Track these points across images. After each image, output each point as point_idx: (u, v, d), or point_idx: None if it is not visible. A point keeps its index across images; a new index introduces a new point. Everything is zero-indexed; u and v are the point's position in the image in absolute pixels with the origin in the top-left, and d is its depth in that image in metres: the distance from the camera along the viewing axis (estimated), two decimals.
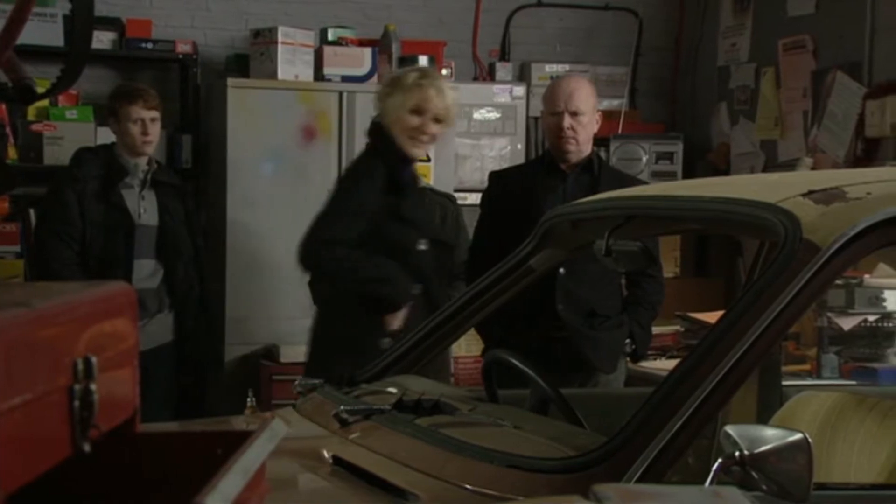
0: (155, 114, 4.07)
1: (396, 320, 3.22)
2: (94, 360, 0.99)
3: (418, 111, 3.26)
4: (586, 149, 3.47)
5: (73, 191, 3.99)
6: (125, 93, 4.14)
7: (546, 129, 3.51)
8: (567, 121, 3.40)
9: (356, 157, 3.48)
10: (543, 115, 3.57)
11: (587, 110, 3.43)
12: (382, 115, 3.34)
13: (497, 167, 4.02)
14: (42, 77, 2.41)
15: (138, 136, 4.03)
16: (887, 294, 3.77)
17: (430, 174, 4.89)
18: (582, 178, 3.47)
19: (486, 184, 3.71)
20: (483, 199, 3.62)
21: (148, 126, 4.03)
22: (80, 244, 3.97)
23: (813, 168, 4.82)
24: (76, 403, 0.97)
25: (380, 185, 3.25)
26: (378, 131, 3.34)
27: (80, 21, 1.53)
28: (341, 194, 3.30)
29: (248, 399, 2.57)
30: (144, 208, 4.05)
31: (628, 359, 3.54)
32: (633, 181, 3.51)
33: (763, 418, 2.58)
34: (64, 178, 4.08)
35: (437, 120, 3.29)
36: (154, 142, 4.09)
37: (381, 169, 3.27)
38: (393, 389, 2.35)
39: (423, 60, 4.99)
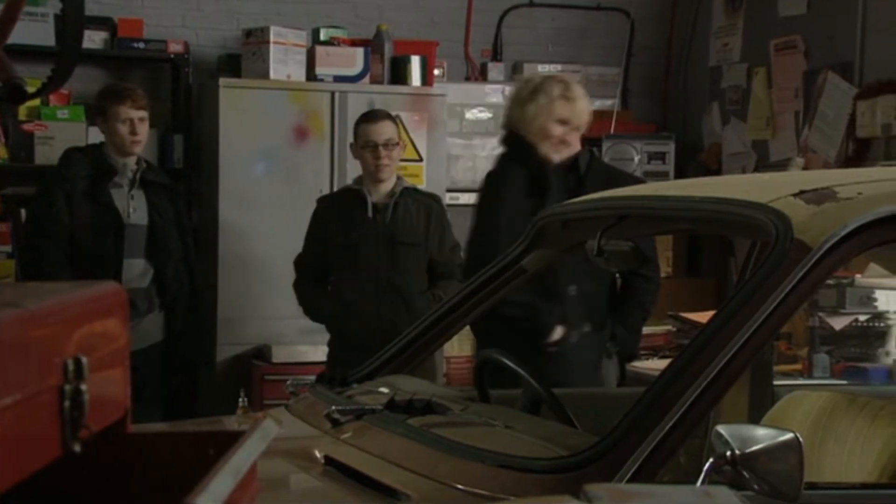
0: (143, 113, 4.05)
1: (555, 333, 3.25)
2: (84, 360, 0.98)
3: (564, 122, 3.37)
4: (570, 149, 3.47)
5: (61, 191, 3.97)
6: (113, 92, 4.12)
7: None
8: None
9: (493, 166, 3.55)
10: None
11: None
12: (517, 121, 3.41)
13: (489, 167, 4.02)
14: (33, 77, 2.40)
15: (127, 136, 4.01)
16: (878, 294, 3.78)
17: (423, 174, 4.89)
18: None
19: (477, 183, 3.71)
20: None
21: (136, 126, 4.01)
22: (69, 244, 3.95)
23: (804, 168, 4.83)
24: (66, 404, 0.96)
25: (523, 191, 3.32)
26: (515, 139, 3.42)
27: (71, 21, 1.53)
28: (486, 209, 3.40)
29: (240, 399, 2.56)
30: (134, 208, 4.03)
31: (616, 358, 3.54)
32: (625, 178, 3.51)
33: (755, 418, 2.58)
34: (52, 178, 4.06)
35: (577, 129, 3.40)
36: (143, 141, 4.08)
37: (522, 174, 3.36)
38: (384, 389, 2.35)
39: (415, 60, 5.00)
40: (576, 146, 3.40)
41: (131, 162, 4.06)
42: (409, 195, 3.94)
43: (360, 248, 3.85)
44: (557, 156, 3.38)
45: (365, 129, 3.90)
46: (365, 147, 3.87)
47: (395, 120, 4.00)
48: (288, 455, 2.09)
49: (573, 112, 3.37)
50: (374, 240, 3.86)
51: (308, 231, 3.99)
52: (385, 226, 3.87)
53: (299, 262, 4.00)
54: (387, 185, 3.89)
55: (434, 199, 4.06)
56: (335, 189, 4.64)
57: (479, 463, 1.84)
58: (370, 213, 3.88)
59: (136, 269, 4.03)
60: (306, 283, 3.97)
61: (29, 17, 4.56)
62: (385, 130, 3.88)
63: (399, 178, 3.96)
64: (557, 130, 3.37)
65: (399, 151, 3.97)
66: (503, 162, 3.48)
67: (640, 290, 3.50)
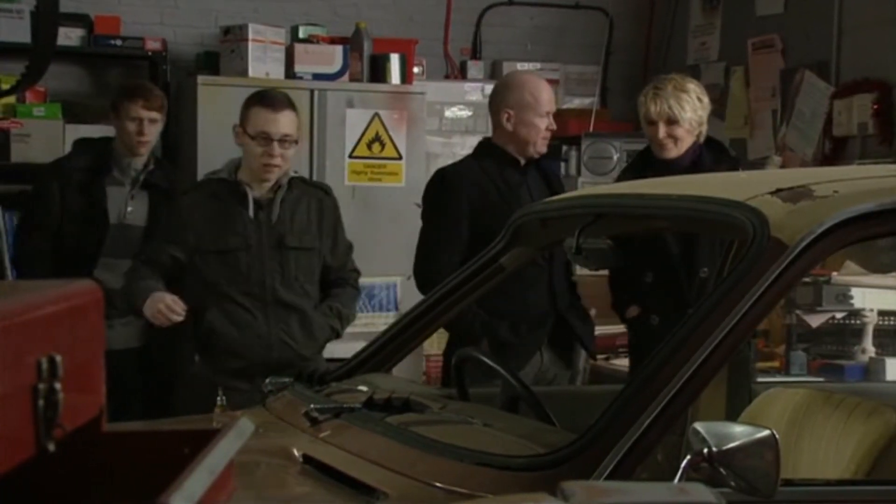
0: (155, 115, 3.95)
1: (631, 311, 3.55)
2: (58, 359, 0.98)
3: (650, 122, 3.51)
4: None
5: (56, 181, 3.92)
6: (127, 89, 4.04)
7: (530, 129, 3.50)
8: (552, 122, 3.54)
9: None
10: (524, 114, 3.50)
11: None
12: None
13: None
14: (8, 74, 2.39)
15: (133, 136, 3.91)
16: (854, 291, 3.81)
17: (402, 172, 4.88)
18: (533, 172, 3.56)
19: None
20: (449, 198, 3.47)
21: (145, 126, 3.91)
22: (56, 236, 3.90)
23: (781, 166, 4.85)
24: (40, 402, 0.96)
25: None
26: None
27: (45, 18, 1.52)
28: None
29: (218, 398, 2.55)
30: (132, 208, 3.94)
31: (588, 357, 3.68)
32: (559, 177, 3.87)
33: (732, 415, 2.59)
34: (51, 167, 4.03)
35: (670, 122, 3.47)
36: (150, 143, 3.98)
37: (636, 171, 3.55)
38: (363, 388, 2.35)
39: (394, 59, 4.99)
40: (684, 144, 3.49)
41: (138, 161, 3.97)
42: (296, 187, 3.36)
43: (241, 256, 3.27)
44: (663, 154, 3.50)
45: (260, 115, 3.28)
46: (256, 137, 3.27)
47: (297, 111, 3.37)
48: (266, 454, 2.08)
49: (646, 112, 3.48)
50: (257, 244, 3.29)
51: (167, 226, 3.45)
52: (271, 227, 3.29)
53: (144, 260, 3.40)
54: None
55: (325, 190, 3.49)
56: None
57: (457, 461, 1.84)
58: (251, 212, 3.29)
59: (123, 269, 3.95)
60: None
61: (4, 14, 4.53)
62: (285, 123, 3.29)
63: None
64: (650, 131, 3.52)
65: (294, 150, 3.37)
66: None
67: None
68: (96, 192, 3.93)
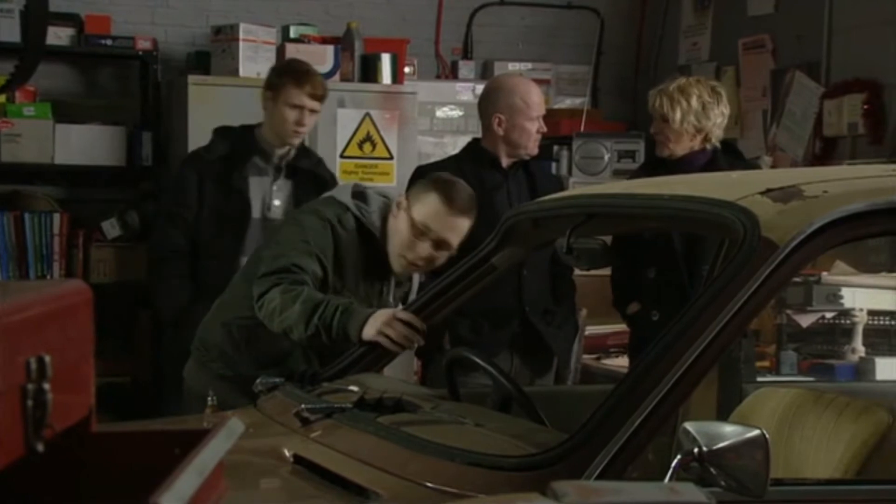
0: (317, 105, 3.60)
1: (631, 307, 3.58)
2: (47, 359, 0.98)
3: (663, 118, 3.53)
4: None
5: (195, 170, 3.63)
6: (294, 72, 3.62)
7: (521, 133, 3.50)
8: (542, 124, 3.54)
9: None
10: (515, 118, 3.49)
11: None
12: None
13: None
14: None
15: (291, 124, 3.56)
16: (844, 291, 3.81)
17: (393, 172, 4.88)
18: (519, 174, 3.55)
19: None
20: None
21: (306, 116, 3.58)
22: (192, 230, 3.60)
23: (772, 167, 4.86)
24: (29, 403, 0.96)
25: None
26: None
27: (35, 17, 1.52)
28: None
29: (209, 398, 2.54)
30: (278, 201, 3.64)
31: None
32: (557, 177, 3.85)
33: (722, 415, 2.60)
34: (190, 157, 3.77)
35: (663, 119, 3.51)
36: (305, 134, 3.67)
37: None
38: (354, 388, 2.34)
39: (385, 58, 4.99)
40: (677, 144, 3.49)
41: (284, 148, 3.65)
42: None
43: None
44: (656, 150, 3.54)
45: (446, 219, 2.78)
46: (426, 234, 2.78)
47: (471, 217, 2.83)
48: (257, 454, 2.08)
49: (651, 107, 3.50)
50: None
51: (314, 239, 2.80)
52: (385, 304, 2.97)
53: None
54: None
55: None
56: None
57: (449, 461, 1.84)
58: (390, 295, 3.01)
59: None
60: None
61: None
62: (463, 233, 2.82)
63: None
64: (653, 126, 3.56)
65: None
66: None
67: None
68: (238, 182, 3.59)
